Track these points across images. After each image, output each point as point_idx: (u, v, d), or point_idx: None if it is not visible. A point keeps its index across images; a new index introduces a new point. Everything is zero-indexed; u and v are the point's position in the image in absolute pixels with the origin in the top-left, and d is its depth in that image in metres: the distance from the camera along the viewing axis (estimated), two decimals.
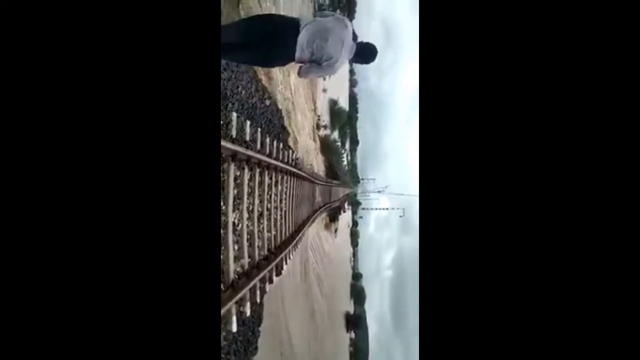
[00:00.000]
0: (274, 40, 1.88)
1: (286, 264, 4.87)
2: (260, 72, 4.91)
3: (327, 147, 21.50)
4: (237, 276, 3.03)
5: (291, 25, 1.91)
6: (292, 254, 5.51)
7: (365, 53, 2.05)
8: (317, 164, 15.38)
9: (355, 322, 37.42)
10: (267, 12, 5.63)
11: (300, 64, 1.97)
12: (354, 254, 56.61)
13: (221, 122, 2.99)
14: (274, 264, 3.95)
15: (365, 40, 2.09)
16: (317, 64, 1.93)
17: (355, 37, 2.01)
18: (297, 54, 1.88)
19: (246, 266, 3.28)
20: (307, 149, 12.04)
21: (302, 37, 1.87)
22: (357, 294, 45.34)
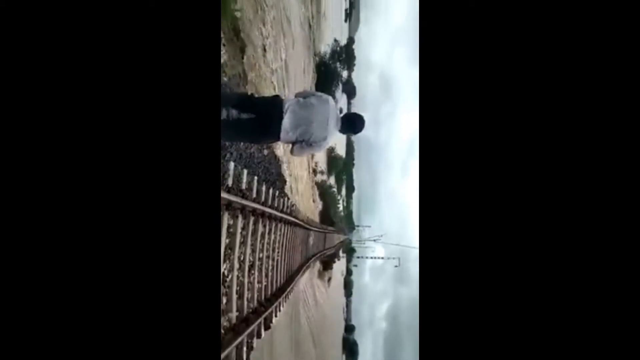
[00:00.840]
0: (259, 123, 1.89)
1: (276, 316, 4.68)
2: None
3: (323, 193, 21.59)
4: (223, 331, 2.89)
5: (274, 107, 1.91)
6: (283, 306, 5.31)
7: (352, 124, 2.07)
8: (312, 209, 15.33)
9: None
10: (263, 90, 5.77)
11: (289, 143, 1.98)
12: (347, 305, 54.62)
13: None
14: (262, 317, 3.79)
15: (363, 91, 2.18)
16: (306, 144, 1.95)
17: (340, 110, 2.07)
18: (282, 136, 1.89)
19: (234, 320, 3.15)
20: (302, 194, 12.07)
21: (286, 122, 1.87)
22: (350, 348, 43.07)
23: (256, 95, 2.37)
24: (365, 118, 2.17)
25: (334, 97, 2.29)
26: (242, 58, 4.95)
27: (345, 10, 62.62)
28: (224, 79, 3.75)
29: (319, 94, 2.05)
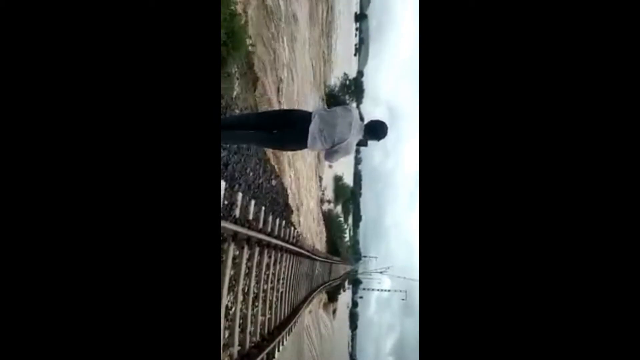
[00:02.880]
0: (289, 125, 2.11)
1: (278, 351, 4.53)
2: (269, 153, 5.14)
3: (329, 222, 21.43)
4: None
5: (304, 115, 2.14)
6: (286, 340, 5.15)
7: (376, 129, 2.21)
8: (318, 239, 15.17)
9: None
10: (282, 104, 6.07)
11: (315, 151, 2.13)
12: (352, 338, 52.71)
13: (226, 202, 3.04)
14: (265, 352, 3.67)
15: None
16: (334, 150, 2.12)
17: (362, 118, 2.22)
18: (309, 142, 2.07)
19: (235, 355, 3.06)
20: (309, 224, 11.99)
21: (313, 126, 2.07)
22: None
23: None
24: (374, 146, 2.28)
25: None
26: (254, 91, 5.11)
27: (355, 45, 64.79)
28: (236, 111, 3.86)
29: (344, 105, 2.25)
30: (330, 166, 25.95)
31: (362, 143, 2.23)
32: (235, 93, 4.08)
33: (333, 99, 21.37)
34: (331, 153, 2.16)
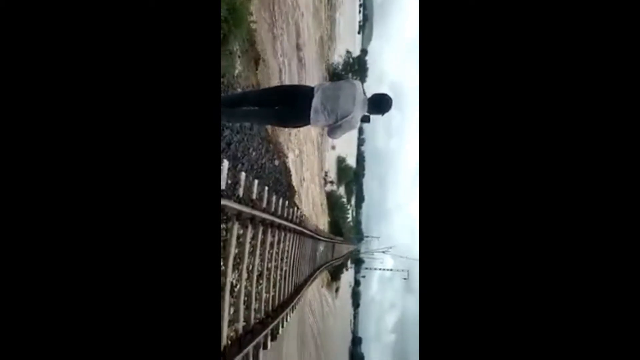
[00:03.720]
0: (291, 101, 2.06)
1: (282, 327, 4.65)
2: (272, 133, 5.11)
3: (332, 203, 21.55)
4: (229, 342, 2.88)
5: (306, 90, 2.09)
6: (290, 316, 5.27)
7: (379, 102, 2.14)
8: (321, 219, 15.29)
9: None
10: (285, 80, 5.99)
11: (325, 127, 2.09)
12: (355, 316, 53.93)
13: (229, 182, 3.05)
14: (269, 328, 3.77)
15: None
16: (337, 125, 2.07)
17: (364, 93, 2.17)
18: (312, 117, 2.02)
19: (240, 331, 3.13)
20: (312, 204, 12.06)
21: (316, 101, 2.02)
22: None
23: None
24: (376, 128, 2.27)
25: None
26: (256, 69, 5.03)
27: (359, 22, 63.28)
28: (238, 89, 3.81)
29: (348, 79, 2.22)
30: (333, 147, 25.85)
31: (364, 119, 2.16)
32: (237, 71, 4.01)
33: (336, 77, 21.10)
34: (335, 128, 2.10)
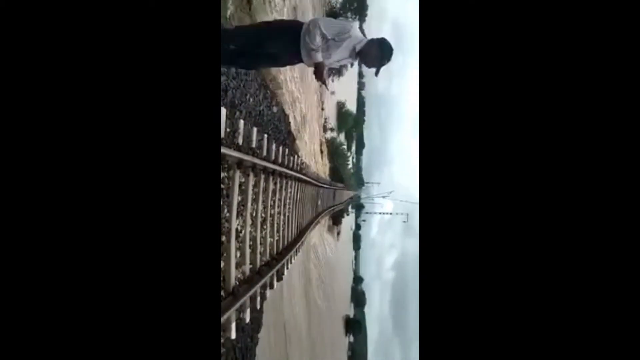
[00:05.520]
0: (281, 41, 1.98)
1: (287, 269, 4.89)
2: (269, 78, 4.94)
3: (332, 150, 21.51)
4: (238, 282, 3.05)
5: (296, 26, 1.99)
6: (294, 259, 5.53)
7: (383, 48, 2.01)
8: (322, 166, 15.39)
9: (354, 325, 37.30)
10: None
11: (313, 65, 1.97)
12: (356, 257, 56.48)
13: (228, 130, 3.01)
14: (275, 269, 3.96)
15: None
16: (332, 41, 1.95)
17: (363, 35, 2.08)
18: (307, 40, 1.92)
19: (247, 272, 3.30)
20: (312, 152, 12.05)
21: (306, 25, 1.93)
22: (357, 298, 45.19)
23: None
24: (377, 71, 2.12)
25: None
26: (249, 9, 4.73)
27: None
28: (229, 24, 3.61)
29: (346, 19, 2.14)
30: (332, 92, 25.16)
31: (372, 64, 2.05)
32: (229, 12, 3.78)
33: (334, 17, 19.87)
34: (330, 48, 1.98)
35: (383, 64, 2.04)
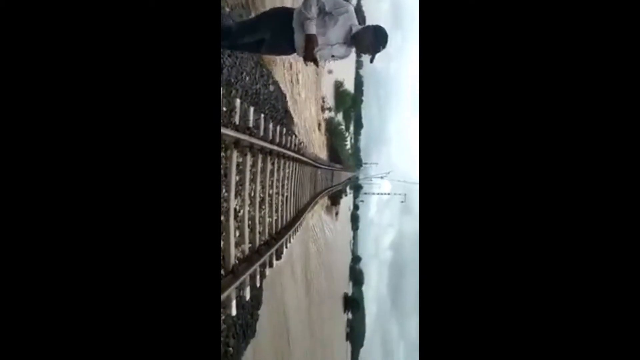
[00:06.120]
0: (271, 29, 1.93)
1: (286, 248, 4.95)
2: (265, 57, 4.84)
3: (330, 130, 21.36)
4: (237, 261, 3.08)
5: (285, 14, 1.93)
6: (293, 238, 5.58)
7: (378, 34, 1.95)
8: (320, 147, 15.33)
9: (353, 303, 38.13)
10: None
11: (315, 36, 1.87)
12: (354, 237, 57.12)
13: (225, 109, 2.98)
14: (274, 248, 4.01)
15: (373, 20, 2.10)
16: (329, 16, 1.88)
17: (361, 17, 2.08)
18: (303, 10, 1.84)
19: (247, 251, 3.34)
20: (309, 133, 11.97)
21: (299, 7, 1.86)
22: (356, 276, 46.00)
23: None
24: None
25: None
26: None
27: None
28: (226, 9, 3.52)
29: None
30: (330, 71, 24.74)
31: (367, 49, 1.98)
32: None
33: None
34: (325, 23, 1.89)
35: (378, 51, 1.99)
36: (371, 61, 2.05)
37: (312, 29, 1.86)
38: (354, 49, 2.04)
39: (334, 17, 1.89)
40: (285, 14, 1.94)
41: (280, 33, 1.93)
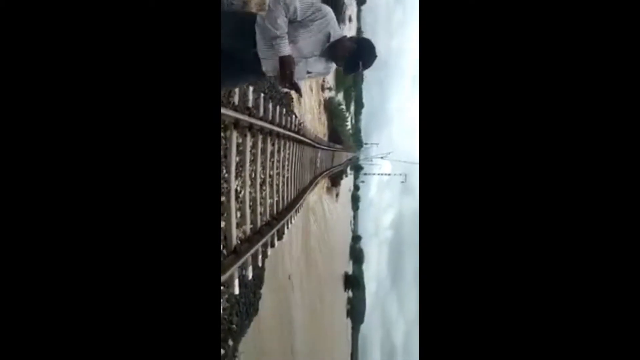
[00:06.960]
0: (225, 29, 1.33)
1: (287, 228, 4.99)
2: None
3: (331, 111, 21.17)
4: (239, 242, 3.11)
5: (248, 21, 1.46)
6: (294, 219, 5.62)
7: (362, 48, 1.53)
8: (320, 127, 15.22)
9: (353, 281, 38.83)
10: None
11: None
12: (355, 217, 57.56)
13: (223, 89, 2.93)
14: (275, 229, 4.04)
15: None
16: (299, 23, 1.43)
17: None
18: (268, 24, 1.39)
19: (248, 232, 3.37)
20: (310, 113, 11.86)
21: (261, 20, 1.44)
22: (356, 255, 46.66)
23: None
24: (376, 28, 1.81)
25: (342, 3, 1.93)
26: None
27: None
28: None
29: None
30: None
31: (345, 63, 1.53)
32: None
33: None
34: (297, 28, 1.43)
35: (356, 70, 1.53)
36: (345, 73, 1.63)
37: (285, 48, 1.41)
38: (333, 65, 1.60)
39: (307, 23, 1.44)
40: (247, 17, 1.47)
41: (239, 57, 1.45)
